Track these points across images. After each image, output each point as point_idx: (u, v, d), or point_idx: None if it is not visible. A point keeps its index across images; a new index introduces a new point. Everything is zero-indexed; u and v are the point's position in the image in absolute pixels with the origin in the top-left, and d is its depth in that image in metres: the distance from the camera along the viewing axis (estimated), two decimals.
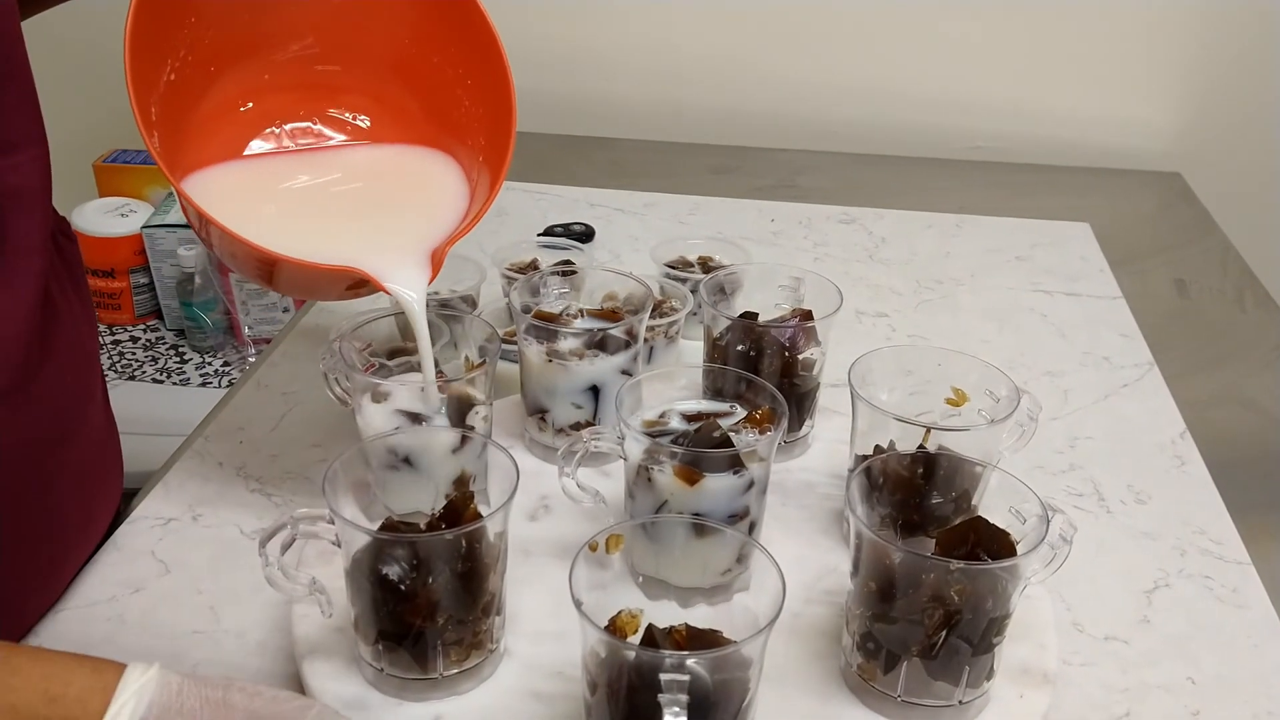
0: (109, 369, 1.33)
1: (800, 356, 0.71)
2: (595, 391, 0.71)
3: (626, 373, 0.71)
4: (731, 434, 0.60)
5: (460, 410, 0.66)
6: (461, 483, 0.60)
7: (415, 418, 0.66)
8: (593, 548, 0.50)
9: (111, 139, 1.52)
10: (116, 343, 1.39)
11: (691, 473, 0.57)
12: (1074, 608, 0.64)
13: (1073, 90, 1.38)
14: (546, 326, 0.71)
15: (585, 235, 1.10)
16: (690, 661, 0.44)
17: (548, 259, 0.92)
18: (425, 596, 0.51)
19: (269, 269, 0.61)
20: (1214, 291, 1.06)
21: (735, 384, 0.65)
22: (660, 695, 0.43)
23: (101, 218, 1.38)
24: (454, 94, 0.69)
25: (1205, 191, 1.29)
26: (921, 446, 0.60)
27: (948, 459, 0.58)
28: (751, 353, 0.71)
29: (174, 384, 1.32)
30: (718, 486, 0.57)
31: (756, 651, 0.47)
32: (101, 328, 1.41)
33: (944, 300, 1.01)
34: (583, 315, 0.75)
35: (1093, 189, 1.30)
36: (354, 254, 0.61)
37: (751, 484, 0.59)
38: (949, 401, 0.65)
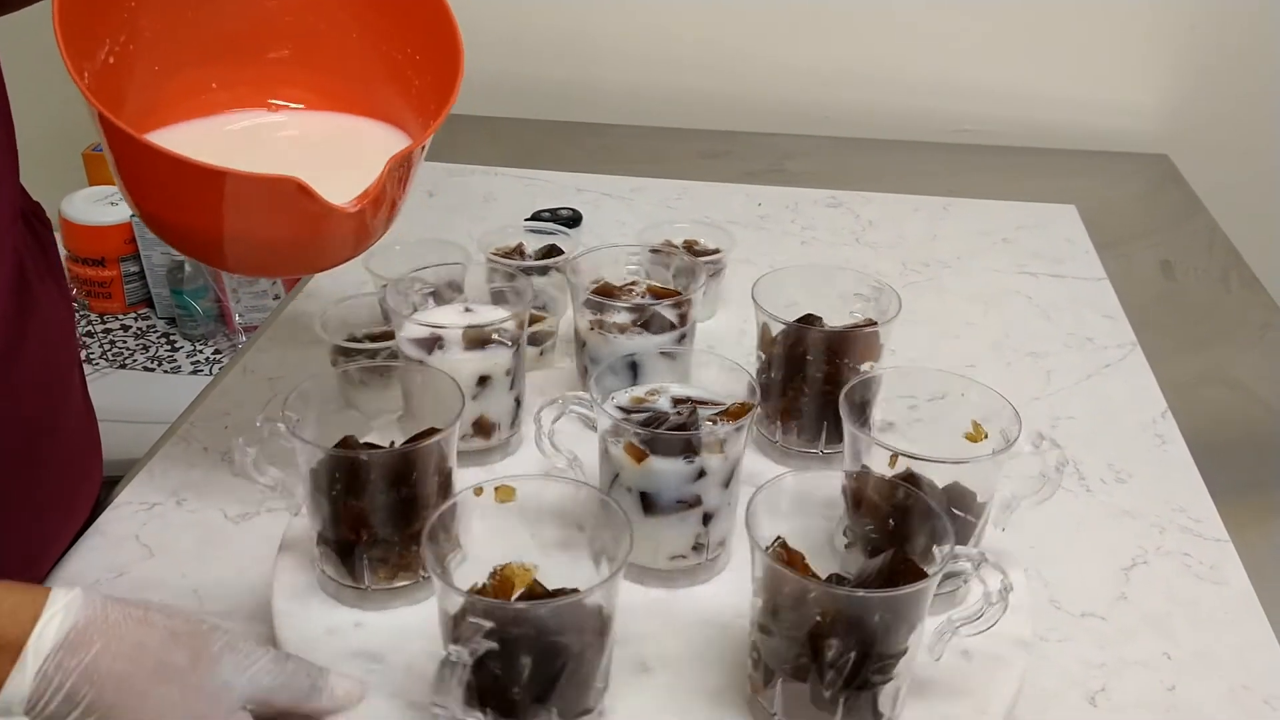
0: (100, 357, 1.34)
1: (861, 367, 0.69)
2: (634, 368, 0.71)
3: (666, 354, 0.72)
4: (707, 422, 0.60)
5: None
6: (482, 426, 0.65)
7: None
8: (477, 491, 0.51)
9: None
10: (108, 331, 1.39)
11: (638, 451, 0.57)
12: (1051, 584, 0.65)
13: (1061, 73, 1.37)
14: (600, 301, 0.75)
15: (572, 220, 1.10)
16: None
17: (533, 243, 0.92)
18: (352, 511, 0.55)
19: (213, 205, 0.58)
20: (1199, 272, 1.06)
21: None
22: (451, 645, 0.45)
23: (91, 206, 1.38)
24: (404, 74, 0.68)
25: (1193, 173, 1.29)
26: (897, 472, 0.58)
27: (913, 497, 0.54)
28: (808, 356, 0.69)
29: (165, 372, 1.33)
30: (663, 469, 0.58)
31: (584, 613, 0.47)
32: (92, 316, 1.41)
33: (930, 283, 1.01)
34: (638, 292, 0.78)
35: (1080, 171, 1.30)
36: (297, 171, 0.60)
37: (703, 473, 0.58)
38: (968, 437, 0.62)
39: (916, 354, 0.85)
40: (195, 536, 0.67)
